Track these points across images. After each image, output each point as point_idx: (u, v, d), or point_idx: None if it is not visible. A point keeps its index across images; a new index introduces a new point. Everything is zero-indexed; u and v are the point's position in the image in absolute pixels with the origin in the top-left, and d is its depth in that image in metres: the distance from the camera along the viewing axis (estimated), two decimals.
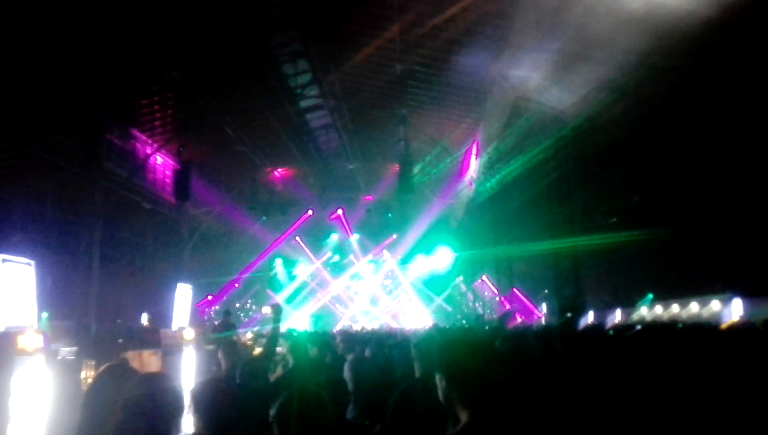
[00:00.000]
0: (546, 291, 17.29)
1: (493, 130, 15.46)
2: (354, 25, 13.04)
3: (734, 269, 11.93)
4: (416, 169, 19.27)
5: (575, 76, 11.51)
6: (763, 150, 10.27)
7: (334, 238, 23.21)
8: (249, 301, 22.17)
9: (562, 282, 14.19)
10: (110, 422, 2.32)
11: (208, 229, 19.76)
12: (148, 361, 6.65)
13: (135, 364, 5.88)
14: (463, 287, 21.86)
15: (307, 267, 22.90)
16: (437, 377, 2.35)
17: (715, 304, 12.73)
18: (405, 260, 22.75)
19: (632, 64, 10.14)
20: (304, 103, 17.03)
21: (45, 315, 8.27)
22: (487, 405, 2.20)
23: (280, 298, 21.32)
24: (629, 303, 14.59)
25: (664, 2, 8.72)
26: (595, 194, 15.09)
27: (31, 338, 4.41)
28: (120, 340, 8.61)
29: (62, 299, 10.56)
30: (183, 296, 9.94)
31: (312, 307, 22.00)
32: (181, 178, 15.64)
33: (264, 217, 20.99)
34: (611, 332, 6.48)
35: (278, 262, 22.96)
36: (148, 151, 15.79)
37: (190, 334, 7.11)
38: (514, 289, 18.96)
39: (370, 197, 22.87)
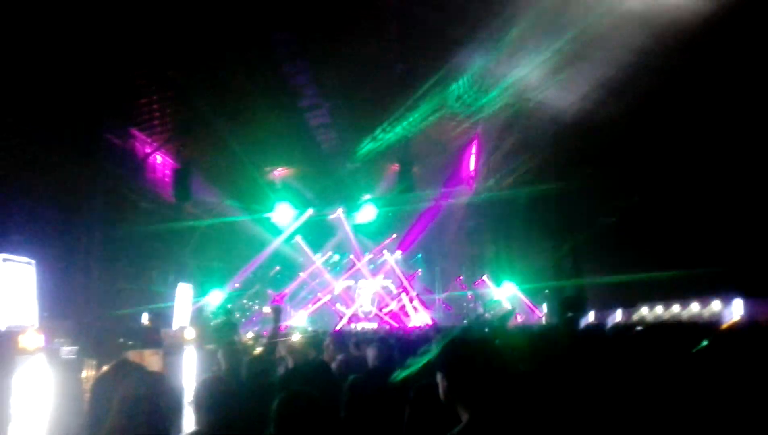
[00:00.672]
0: (547, 291, 17.29)
1: (493, 129, 15.47)
2: (353, 23, 13.04)
3: (735, 269, 11.93)
4: (416, 168, 19.28)
5: (574, 75, 11.52)
6: (764, 149, 10.27)
7: (335, 238, 23.21)
8: (249, 300, 22.16)
9: (562, 281, 14.19)
10: (109, 420, 2.31)
11: (208, 229, 19.75)
12: (149, 360, 6.64)
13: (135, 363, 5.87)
14: (464, 287, 21.86)
15: (307, 267, 22.90)
16: (438, 376, 2.35)
17: (716, 305, 12.74)
18: (405, 260, 22.78)
19: (632, 62, 10.15)
20: (303, 102, 17.02)
21: (45, 314, 8.25)
22: (487, 404, 2.20)
23: (280, 298, 21.31)
24: (630, 303, 14.59)
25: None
26: (595, 194, 15.08)
27: (32, 337, 4.41)
28: (121, 340, 8.61)
29: (62, 298, 10.55)
30: (184, 296, 9.93)
31: (312, 307, 21.99)
32: (181, 178, 15.66)
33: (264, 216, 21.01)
34: (612, 332, 6.48)
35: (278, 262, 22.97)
36: (148, 151, 15.78)
37: (191, 333, 7.10)
38: (515, 288, 18.98)
39: (369, 196, 22.87)
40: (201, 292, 15.66)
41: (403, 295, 22.52)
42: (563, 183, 14.75)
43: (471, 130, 17.70)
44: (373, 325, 19.57)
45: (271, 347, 5.13)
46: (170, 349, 7.07)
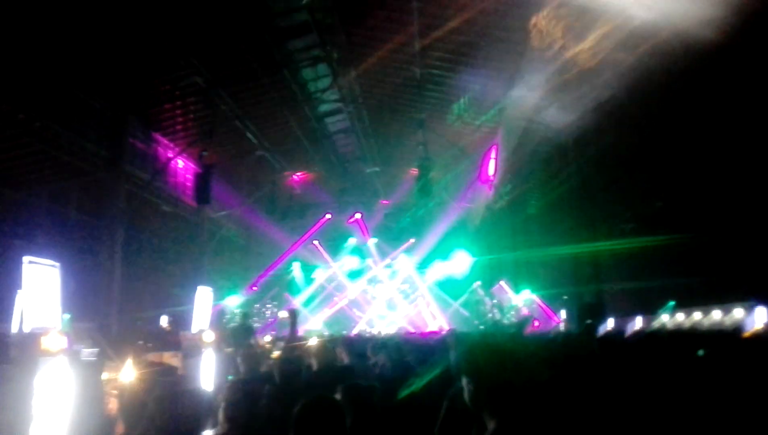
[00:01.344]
0: (565, 297, 17.12)
1: (512, 133, 15.40)
2: (373, 29, 13.09)
3: (758, 276, 11.71)
4: (434, 173, 19.25)
5: (589, 84, 11.44)
6: None
7: (352, 241, 23.25)
8: (267, 304, 22.28)
9: (582, 288, 14.05)
10: (143, 421, 2.35)
11: (227, 233, 19.93)
12: (168, 363, 6.71)
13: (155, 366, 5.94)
14: (481, 292, 21.73)
15: (324, 271, 22.96)
16: (464, 381, 2.33)
17: (737, 312, 12.51)
18: (423, 265, 22.70)
19: (655, 65, 10.05)
20: (323, 108, 17.12)
21: (67, 316, 8.39)
22: (514, 412, 2.19)
23: (297, 301, 21.40)
24: (650, 310, 14.39)
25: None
26: (616, 199, 14.94)
27: (55, 339, 4.48)
28: (140, 342, 8.71)
29: (84, 301, 10.71)
30: (203, 299, 10.01)
31: (329, 311, 22.04)
32: (202, 182, 15.79)
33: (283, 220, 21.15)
34: (632, 339, 6.40)
35: (296, 266, 23.06)
36: (170, 155, 15.98)
37: (209, 336, 7.16)
38: (533, 295, 18.82)
39: (388, 201, 22.88)
40: (220, 295, 15.78)
41: (420, 299, 22.46)
42: (584, 188, 14.62)
43: (491, 134, 17.62)
44: (389, 330, 19.54)
45: (294, 350, 5.16)
46: (189, 352, 7.14)
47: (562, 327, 16.02)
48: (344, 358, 5.08)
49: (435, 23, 12.02)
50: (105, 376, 5.43)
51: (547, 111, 13.94)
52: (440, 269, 22.24)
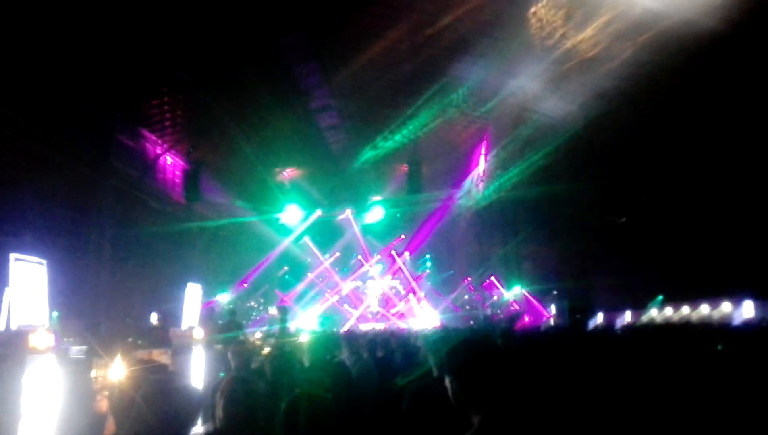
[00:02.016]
0: (555, 292, 17.22)
1: (502, 129, 15.44)
2: (362, 26, 13.06)
3: (745, 271, 11.83)
4: (425, 169, 19.27)
5: (582, 77, 11.49)
6: None
7: (343, 238, 23.23)
8: (257, 300, 22.22)
9: (571, 283, 14.14)
10: (131, 419, 2.33)
11: (217, 229, 19.84)
12: (158, 360, 6.67)
13: (144, 363, 5.90)
14: (472, 288, 21.80)
15: (315, 267, 22.92)
16: (447, 379, 2.34)
17: (725, 306, 12.64)
18: (413, 260, 22.75)
19: (640, 62, 10.10)
20: (313, 104, 17.07)
21: (55, 314, 8.32)
22: (498, 407, 2.19)
23: (288, 298, 21.35)
24: (639, 304, 14.50)
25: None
26: (605, 195, 15.02)
27: (43, 337, 4.44)
28: (130, 339, 8.66)
29: (73, 298, 10.63)
30: (192, 296, 9.97)
31: (320, 307, 22.01)
32: (191, 179, 15.75)
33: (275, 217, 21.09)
34: (620, 333, 6.45)
35: (286, 263, 23.02)
36: (158, 152, 15.89)
37: (199, 333, 7.13)
38: (523, 290, 18.91)
39: (378, 197, 22.87)
40: (210, 292, 15.72)
41: (411, 295, 22.49)
42: (572, 184, 14.69)
43: (480, 130, 17.67)
44: (380, 326, 19.56)
45: (286, 346, 5.14)
46: (179, 349, 7.10)
47: (552, 322, 16.11)
48: (339, 355, 5.07)
49: (426, 19, 12.02)
50: (94, 373, 5.40)
51: (538, 107, 13.99)
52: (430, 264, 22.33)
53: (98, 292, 12.38)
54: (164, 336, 8.49)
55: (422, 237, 21.92)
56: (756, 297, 11.62)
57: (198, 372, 6.72)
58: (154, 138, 15.68)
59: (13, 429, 4.05)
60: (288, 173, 22.00)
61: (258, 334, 12.47)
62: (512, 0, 10.94)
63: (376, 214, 22.15)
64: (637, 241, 13.45)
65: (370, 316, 21.94)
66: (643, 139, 12.48)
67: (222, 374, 5.46)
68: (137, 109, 14.31)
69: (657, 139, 12.21)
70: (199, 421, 2.64)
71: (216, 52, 12.72)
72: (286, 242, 22.05)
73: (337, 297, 22.40)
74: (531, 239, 17.32)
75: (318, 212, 22.33)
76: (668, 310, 14.11)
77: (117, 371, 4.72)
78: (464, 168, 19.84)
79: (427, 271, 23.42)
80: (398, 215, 23.28)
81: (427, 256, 23.16)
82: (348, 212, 22.40)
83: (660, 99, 11.16)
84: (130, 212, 14.50)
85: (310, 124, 18.01)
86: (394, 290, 23.07)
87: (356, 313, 21.76)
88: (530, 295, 18.43)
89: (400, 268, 22.55)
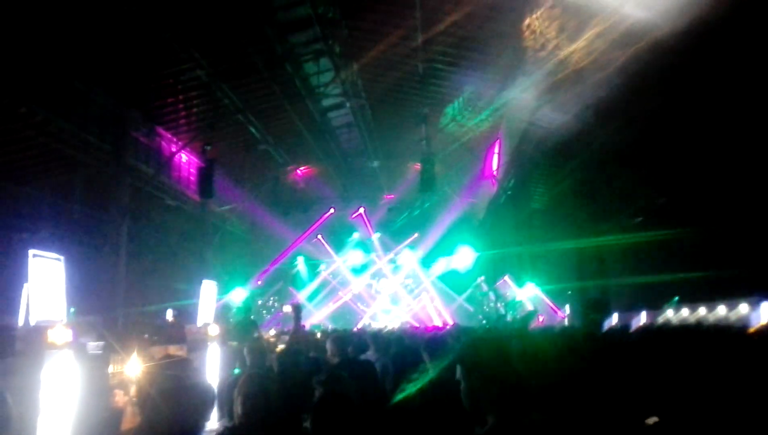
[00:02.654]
0: (570, 292, 17.12)
1: (515, 128, 15.36)
2: (375, 23, 13.05)
3: (763, 271, 11.68)
4: (438, 168, 19.23)
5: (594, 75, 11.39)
6: None
7: (356, 236, 23.26)
8: (271, 298, 22.33)
9: (586, 282, 14.04)
10: (147, 412, 2.35)
11: (231, 227, 19.96)
12: (174, 356, 6.72)
13: (160, 359, 5.95)
14: (485, 287, 21.74)
15: (328, 265, 22.99)
16: (461, 376, 2.33)
17: (743, 307, 12.49)
18: (426, 260, 22.71)
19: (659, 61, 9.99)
20: (326, 102, 17.09)
21: (72, 310, 8.42)
22: (512, 407, 2.18)
23: (301, 296, 21.44)
24: (655, 305, 14.37)
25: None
26: (620, 194, 14.89)
27: (61, 332, 4.50)
28: (146, 335, 8.74)
29: (89, 294, 10.74)
30: (207, 293, 10.04)
31: (333, 305, 22.08)
32: (205, 176, 15.81)
33: (286, 215, 21.17)
34: (637, 335, 6.39)
35: (300, 260, 23.10)
36: (173, 149, 15.99)
37: (214, 330, 7.18)
38: (537, 290, 18.83)
39: (391, 196, 22.87)
40: (224, 289, 15.82)
41: (424, 294, 22.48)
42: (589, 183, 14.58)
43: (494, 129, 17.59)
44: (394, 324, 19.57)
45: (297, 343, 5.16)
46: (194, 346, 7.16)
47: (566, 322, 16.03)
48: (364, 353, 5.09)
49: (437, 17, 11.96)
50: (111, 369, 5.45)
51: (551, 105, 13.89)
52: (444, 264, 22.27)
53: (115, 288, 12.50)
54: (179, 333, 8.56)
55: (435, 235, 21.90)
56: None
57: (213, 368, 6.77)
58: (169, 136, 15.79)
59: (31, 423, 4.10)
60: (301, 171, 22.07)
61: (272, 332, 12.54)
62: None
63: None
64: (654, 241, 13.31)
65: (383, 314, 21.97)
66: (659, 137, 12.35)
67: (237, 371, 5.49)
68: (153, 107, 14.41)
69: (673, 138, 12.08)
70: (215, 417, 2.66)
71: (230, 49, 12.78)
72: (300, 240, 22.14)
73: (350, 295, 22.46)
74: (545, 239, 17.22)
75: (331, 210, 22.39)
76: (684, 311, 13.97)
77: (134, 366, 4.77)
78: (478, 167, 19.77)
79: (442, 268, 23.38)
80: (411, 213, 23.27)
81: (441, 254, 23.13)
82: (361, 210, 22.43)
83: (675, 95, 11.04)
84: (145, 209, 14.63)
85: (323, 122, 18.04)
86: (406, 289, 23.08)
87: (369, 311, 21.80)
88: (544, 294, 18.35)
89: (412, 267, 22.56)
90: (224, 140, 16.37)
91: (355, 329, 16.24)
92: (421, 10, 11.92)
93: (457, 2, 11.45)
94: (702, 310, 13.56)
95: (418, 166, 19.25)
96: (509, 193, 18.96)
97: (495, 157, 18.20)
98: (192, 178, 16.98)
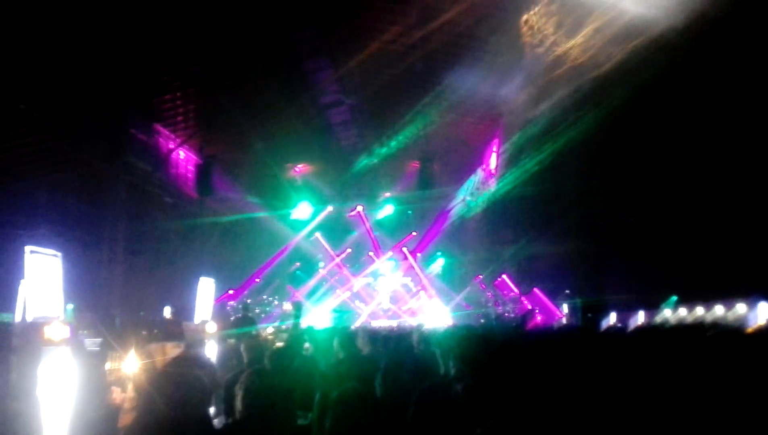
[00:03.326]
0: (567, 291, 17.13)
1: (513, 125, 15.36)
2: (374, 20, 13.04)
3: (761, 271, 11.70)
4: (436, 166, 19.23)
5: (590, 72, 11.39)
6: None
7: (354, 234, 23.25)
8: (269, 296, 22.31)
9: (584, 282, 14.06)
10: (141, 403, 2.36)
11: (229, 224, 19.93)
12: (171, 353, 6.72)
13: (158, 356, 5.96)
14: (483, 286, 21.74)
15: (326, 263, 22.97)
16: (457, 375, 2.33)
17: (740, 307, 12.51)
18: (425, 259, 22.73)
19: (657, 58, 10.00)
20: (324, 100, 17.08)
21: (70, 306, 8.41)
22: (511, 406, 2.18)
23: (299, 293, 21.43)
24: (652, 305, 14.39)
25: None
26: (618, 193, 14.90)
27: (58, 329, 4.49)
28: (143, 332, 8.73)
29: (87, 291, 10.73)
30: (205, 290, 10.04)
31: (332, 303, 22.05)
32: (203, 173, 15.82)
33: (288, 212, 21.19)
34: (634, 334, 6.39)
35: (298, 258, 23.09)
36: (171, 146, 15.97)
37: (212, 327, 7.18)
38: (535, 289, 18.83)
39: (389, 194, 22.86)
40: (222, 286, 15.82)
41: (422, 292, 22.47)
42: (585, 182, 14.58)
43: (492, 127, 17.59)
44: (392, 323, 19.57)
45: (293, 341, 5.17)
46: (192, 342, 7.16)
47: (564, 321, 16.05)
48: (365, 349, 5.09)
49: (435, 14, 11.96)
50: (108, 365, 5.45)
51: (547, 103, 13.89)
52: (442, 262, 22.31)
53: (112, 285, 12.49)
54: (177, 330, 8.56)
55: (433, 234, 21.89)
56: None
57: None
58: (167, 133, 15.76)
59: (29, 419, 4.10)
60: (299, 169, 22.04)
61: (270, 329, 12.53)
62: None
63: (387, 210, 22.18)
64: (651, 241, 13.33)
65: (381, 312, 21.97)
66: (655, 137, 12.36)
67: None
68: (151, 104, 14.39)
69: (670, 138, 12.09)
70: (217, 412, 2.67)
71: (228, 47, 12.76)
72: (298, 238, 22.12)
73: (348, 293, 22.45)
74: (543, 237, 17.23)
75: (329, 208, 22.37)
76: (682, 311, 13.99)
77: (131, 363, 4.76)
78: (476, 164, 19.77)
79: (439, 267, 23.39)
80: (409, 212, 23.26)
81: (439, 253, 23.12)
82: (359, 208, 22.41)
83: (672, 95, 11.05)
84: (143, 206, 14.61)
85: (321, 120, 18.02)
86: (405, 287, 23.08)
87: (367, 309, 21.79)
88: (542, 293, 18.36)
89: (411, 265, 22.55)
90: (222, 137, 16.36)
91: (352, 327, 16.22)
92: (420, 7, 11.92)
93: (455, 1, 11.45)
94: (700, 310, 13.57)
95: (416, 163, 19.27)
96: (508, 191, 18.96)
97: (493, 155, 18.19)
98: (190, 175, 16.96)
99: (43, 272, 5.45)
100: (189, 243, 17.21)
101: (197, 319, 9.38)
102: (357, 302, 22.44)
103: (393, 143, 20.21)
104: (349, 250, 23.24)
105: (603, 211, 14.95)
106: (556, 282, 18.13)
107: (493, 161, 18.16)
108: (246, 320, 11.09)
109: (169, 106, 15.11)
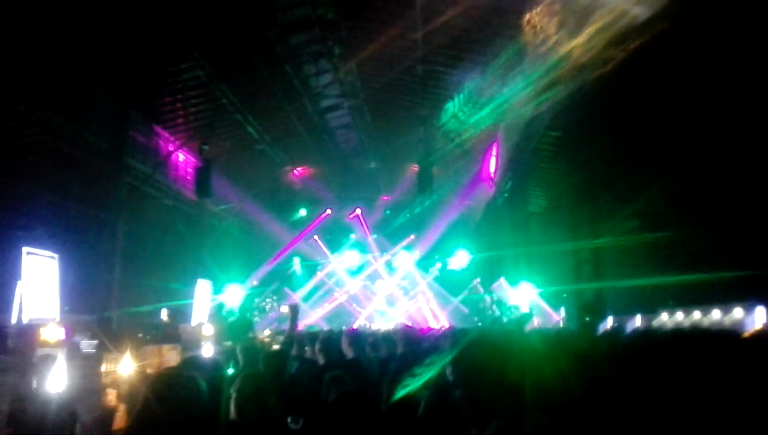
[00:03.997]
0: (565, 295, 17.12)
1: (513, 129, 15.37)
2: (375, 24, 13.06)
3: (758, 276, 11.69)
4: (435, 169, 19.24)
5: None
6: None
7: (353, 238, 23.26)
8: (267, 298, 22.30)
9: (581, 285, 14.05)
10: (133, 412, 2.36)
11: (228, 226, 19.93)
12: (168, 355, 6.72)
13: (154, 358, 5.95)
14: (481, 289, 21.74)
15: (324, 266, 22.97)
16: (457, 379, 2.32)
17: (737, 311, 12.49)
18: (423, 262, 22.72)
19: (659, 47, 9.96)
20: (324, 103, 17.10)
21: (66, 308, 8.40)
22: (511, 411, 2.17)
23: (297, 296, 21.42)
24: (650, 308, 14.38)
25: None
26: (616, 197, 14.91)
27: (54, 331, 4.48)
28: (140, 335, 8.71)
29: (84, 293, 10.70)
30: (203, 292, 10.03)
31: (329, 306, 22.07)
32: (203, 175, 15.82)
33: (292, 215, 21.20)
34: (631, 337, 6.38)
35: (296, 260, 23.08)
36: (171, 148, 15.97)
37: (209, 330, 7.17)
38: (533, 292, 18.81)
39: (388, 197, 22.88)
40: (219, 289, 15.80)
41: (420, 296, 22.48)
42: (584, 185, 14.57)
43: (492, 131, 17.60)
44: (389, 326, 19.56)
45: (288, 344, 5.16)
46: (188, 345, 7.15)
47: (561, 325, 16.04)
48: (349, 353, 5.08)
49: (436, 18, 11.98)
50: (104, 368, 5.44)
51: (548, 106, 13.90)
52: (440, 265, 22.28)
53: (109, 287, 12.47)
54: (174, 332, 8.55)
55: (432, 237, 21.90)
56: None
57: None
58: (167, 135, 15.77)
59: (27, 420, 4.08)
60: (298, 171, 22.06)
61: (267, 332, 12.52)
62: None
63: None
64: (650, 245, 13.32)
65: (378, 315, 21.96)
66: (655, 140, 12.36)
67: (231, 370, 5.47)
68: (151, 106, 14.40)
69: (669, 141, 12.09)
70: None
71: (229, 49, 12.78)
72: (296, 240, 22.13)
73: (346, 296, 22.45)
74: (542, 241, 17.23)
75: (328, 211, 22.38)
76: (679, 315, 13.97)
77: (127, 366, 4.75)
78: (476, 169, 19.79)
79: (437, 271, 23.39)
80: (408, 215, 23.28)
81: (437, 256, 23.14)
82: (358, 211, 22.43)
83: (672, 97, 11.05)
84: (142, 208, 14.59)
85: (321, 123, 18.05)
86: (402, 290, 23.08)
87: (365, 312, 21.79)
88: (540, 297, 18.34)
89: (409, 268, 22.56)
90: (222, 140, 16.37)
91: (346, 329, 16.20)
92: (422, 11, 11.94)
93: (454, 2, 11.46)
94: (697, 314, 13.56)
95: (415, 167, 19.28)
96: (506, 195, 18.97)
97: (492, 159, 18.20)
98: (189, 177, 16.96)
99: (40, 274, 5.45)
100: (187, 245, 17.19)
101: (194, 322, 9.36)
102: (354, 305, 22.44)
103: (392, 146, 20.25)
104: (347, 253, 23.25)
105: (602, 215, 14.95)
106: (553, 285, 18.13)
107: (492, 165, 18.17)
108: (243, 323, 11.08)
109: (170, 108, 15.12)
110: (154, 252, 15.08)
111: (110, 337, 6.05)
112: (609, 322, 12.44)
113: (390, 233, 23.27)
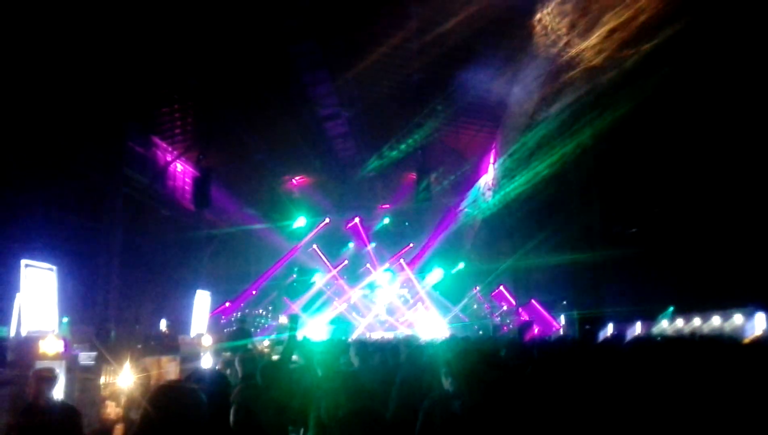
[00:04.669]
0: (564, 302, 17.11)
1: (510, 139, 15.41)
2: (372, 35, 13.12)
3: (757, 282, 11.71)
4: (433, 178, 19.28)
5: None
6: None
7: (351, 246, 23.25)
8: (266, 308, 22.23)
9: (581, 293, 14.04)
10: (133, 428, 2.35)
11: (226, 237, 19.91)
12: (167, 367, 6.69)
13: (153, 369, 5.92)
14: (480, 297, 21.71)
15: (323, 275, 22.92)
16: (452, 388, 2.32)
17: (737, 318, 12.50)
18: (422, 269, 22.70)
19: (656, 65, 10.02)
20: (322, 112, 17.13)
21: (65, 320, 8.37)
22: (509, 417, 2.17)
23: (296, 306, 21.36)
24: (650, 316, 14.37)
25: None
26: (615, 204, 14.93)
27: (52, 343, 4.47)
28: (139, 346, 8.68)
29: (82, 305, 10.68)
30: (201, 303, 10.00)
31: (328, 315, 21.99)
32: (200, 186, 15.82)
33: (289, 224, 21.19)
34: (630, 345, 6.38)
35: (295, 270, 23.04)
36: (168, 159, 15.98)
37: (208, 340, 7.14)
38: (532, 300, 18.81)
39: (386, 206, 22.88)
40: (218, 299, 15.77)
41: (419, 304, 22.43)
42: (583, 193, 14.60)
43: (489, 138, 17.66)
44: (389, 334, 19.51)
45: (287, 355, 5.13)
46: (187, 356, 7.12)
47: (561, 332, 16.02)
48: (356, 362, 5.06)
49: (433, 28, 12.05)
50: (103, 380, 5.41)
51: (545, 113, 13.95)
52: (439, 274, 22.28)
53: (108, 299, 12.43)
54: (173, 343, 8.52)
55: (430, 245, 21.89)
56: None
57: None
58: (164, 145, 15.78)
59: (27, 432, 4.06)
60: (297, 181, 22.06)
61: (266, 342, 12.47)
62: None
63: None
64: (649, 252, 13.33)
65: (378, 324, 21.90)
66: (653, 148, 12.41)
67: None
68: (148, 117, 14.41)
69: (668, 149, 12.13)
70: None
71: (226, 60, 12.81)
72: (295, 250, 22.09)
73: (345, 305, 22.39)
74: (540, 248, 17.24)
75: (326, 220, 22.37)
76: (679, 322, 13.98)
77: (126, 378, 4.73)
78: (473, 176, 19.82)
79: (436, 278, 23.35)
80: (406, 223, 23.27)
81: (435, 264, 23.12)
82: (356, 220, 22.42)
83: (671, 106, 11.10)
84: (140, 219, 14.58)
85: (319, 132, 18.07)
86: (402, 299, 23.03)
87: (364, 321, 21.73)
88: (539, 304, 18.34)
89: (408, 277, 22.52)
90: (219, 150, 16.39)
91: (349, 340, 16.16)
92: (419, 21, 12.01)
93: (453, 13, 11.53)
94: (696, 321, 13.56)
95: (413, 175, 19.32)
96: (505, 202, 19.00)
97: (490, 167, 18.24)
98: (187, 187, 16.96)
99: (38, 286, 5.43)
100: (185, 255, 17.17)
101: (193, 333, 9.34)
102: (354, 314, 22.38)
103: (391, 155, 20.28)
104: (346, 262, 23.21)
105: (602, 222, 14.97)
106: (553, 293, 18.12)
107: (490, 173, 18.21)
108: (242, 333, 11.04)
109: (167, 118, 15.15)
110: (153, 263, 15.06)
111: (109, 348, 6.03)
112: (609, 330, 12.43)
113: (389, 242, 23.26)
